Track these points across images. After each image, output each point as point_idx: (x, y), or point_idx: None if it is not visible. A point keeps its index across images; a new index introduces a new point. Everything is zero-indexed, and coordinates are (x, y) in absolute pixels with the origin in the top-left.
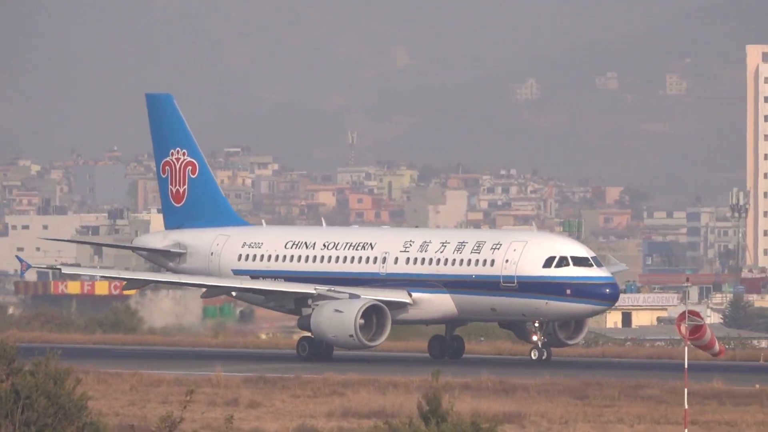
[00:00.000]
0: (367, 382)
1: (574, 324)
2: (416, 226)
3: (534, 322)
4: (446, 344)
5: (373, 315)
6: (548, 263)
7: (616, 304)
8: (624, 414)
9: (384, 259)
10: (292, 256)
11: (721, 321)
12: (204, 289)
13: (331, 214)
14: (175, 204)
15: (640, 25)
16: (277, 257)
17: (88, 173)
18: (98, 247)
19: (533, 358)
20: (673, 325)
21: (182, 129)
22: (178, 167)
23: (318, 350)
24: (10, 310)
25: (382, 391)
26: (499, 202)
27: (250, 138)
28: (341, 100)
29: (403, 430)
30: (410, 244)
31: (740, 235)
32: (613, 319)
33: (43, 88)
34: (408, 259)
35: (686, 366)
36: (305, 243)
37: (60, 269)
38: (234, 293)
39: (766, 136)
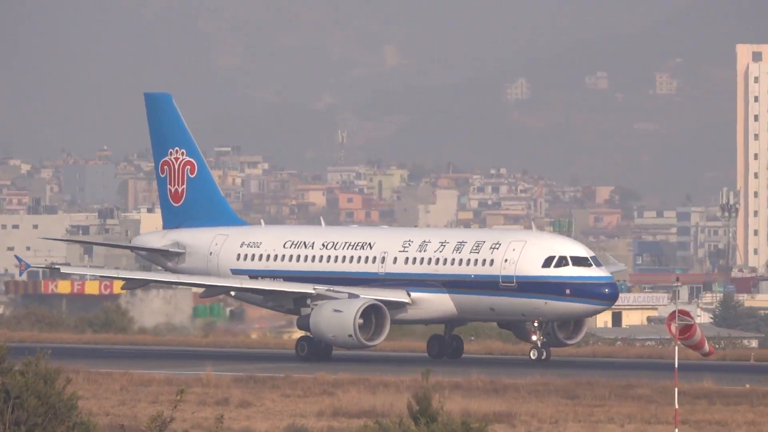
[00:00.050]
0: (358, 382)
1: (574, 324)
2: (415, 226)
3: (533, 322)
4: (445, 344)
5: (372, 315)
6: (547, 263)
7: None
8: (614, 414)
9: (383, 259)
10: (291, 256)
11: (711, 321)
12: (203, 289)
13: (321, 213)
14: (174, 203)
15: (630, 25)
16: (275, 257)
17: (78, 173)
18: (88, 246)
19: (533, 358)
20: (664, 325)
21: (181, 128)
22: (176, 167)
23: (317, 350)
24: (0, 310)
25: (373, 390)
26: (490, 202)
27: (241, 137)
28: (332, 100)
29: (393, 430)
30: (409, 244)
31: (730, 234)
32: (603, 319)
33: (33, 88)
34: (407, 258)
35: (676, 366)
36: (304, 243)
37: (59, 269)
38: (233, 293)
39: (756, 135)
